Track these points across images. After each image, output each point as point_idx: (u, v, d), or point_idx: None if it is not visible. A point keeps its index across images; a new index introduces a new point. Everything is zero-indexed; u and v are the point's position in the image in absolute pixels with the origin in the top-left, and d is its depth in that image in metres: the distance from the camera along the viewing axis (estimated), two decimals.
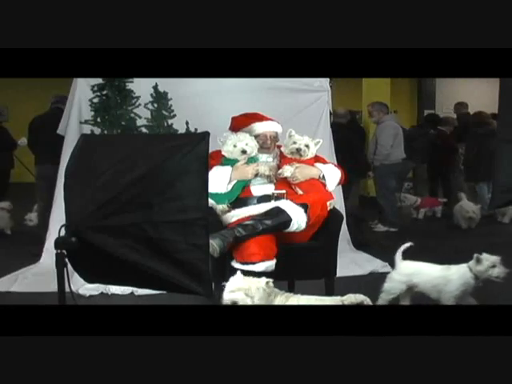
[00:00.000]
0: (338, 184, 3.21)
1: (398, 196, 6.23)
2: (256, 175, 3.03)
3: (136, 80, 3.72)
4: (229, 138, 3.07)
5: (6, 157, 5.89)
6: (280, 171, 3.07)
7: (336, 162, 4.37)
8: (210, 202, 2.79)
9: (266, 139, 3.18)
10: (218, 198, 2.95)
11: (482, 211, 5.80)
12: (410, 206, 6.43)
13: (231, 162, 3.08)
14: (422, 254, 3.10)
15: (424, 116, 7.31)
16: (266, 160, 3.17)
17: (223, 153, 3.10)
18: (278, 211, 2.74)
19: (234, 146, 3.04)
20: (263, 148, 3.15)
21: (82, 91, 4.12)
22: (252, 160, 3.07)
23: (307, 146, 3.13)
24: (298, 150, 3.11)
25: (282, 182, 3.06)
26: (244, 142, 3.04)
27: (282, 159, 3.20)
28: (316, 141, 3.20)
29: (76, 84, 4.19)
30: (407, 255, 3.12)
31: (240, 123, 3.26)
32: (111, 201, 1.46)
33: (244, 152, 3.03)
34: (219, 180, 2.92)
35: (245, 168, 3.02)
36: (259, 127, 3.20)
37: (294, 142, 3.13)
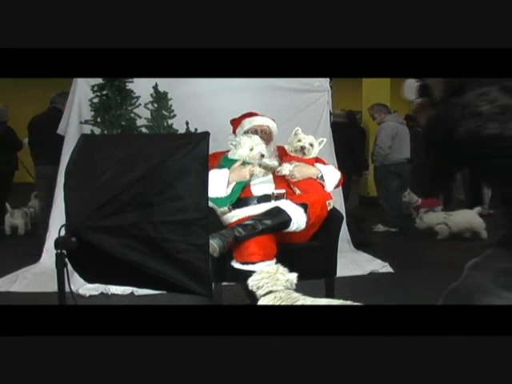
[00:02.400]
0: (337, 186, 3.21)
1: (403, 193, 6.18)
2: (251, 175, 3.04)
3: (136, 80, 3.72)
4: (243, 141, 3.07)
5: (12, 158, 5.88)
6: (279, 169, 3.08)
7: (336, 162, 4.38)
8: (211, 204, 2.79)
9: (257, 133, 3.18)
10: (220, 201, 2.94)
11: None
12: (410, 203, 6.42)
13: (229, 164, 3.08)
14: None
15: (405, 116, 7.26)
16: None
17: (236, 156, 3.09)
18: (277, 211, 2.74)
19: (251, 150, 3.04)
20: None
21: (82, 91, 4.13)
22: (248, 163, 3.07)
23: (311, 144, 3.14)
24: (303, 148, 3.11)
25: (281, 181, 3.06)
26: (259, 145, 3.05)
27: (283, 157, 3.20)
28: (320, 140, 3.20)
29: (76, 84, 4.20)
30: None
31: (236, 124, 3.29)
32: (111, 201, 1.46)
33: (262, 156, 3.04)
34: (218, 184, 2.92)
35: (242, 169, 3.02)
36: (249, 121, 3.22)
37: (299, 140, 3.14)
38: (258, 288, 2.18)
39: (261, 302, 2.16)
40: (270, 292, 2.15)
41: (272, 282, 2.16)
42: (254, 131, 3.18)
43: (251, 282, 2.20)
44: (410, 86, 1.78)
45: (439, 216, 5.34)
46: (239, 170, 3.02)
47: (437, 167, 1.55)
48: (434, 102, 1.63)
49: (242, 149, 3.05)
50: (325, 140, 3.23)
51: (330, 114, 4.69)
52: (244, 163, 3.06)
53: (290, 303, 2.09)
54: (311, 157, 3.15)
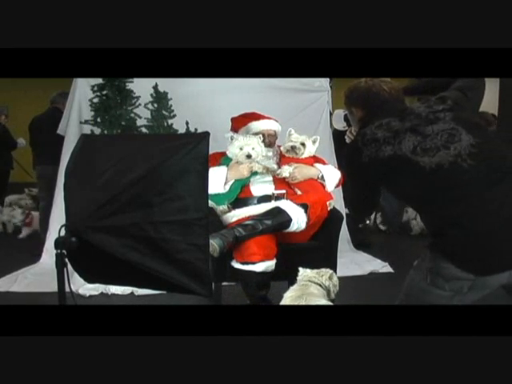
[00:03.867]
0: (338, 185, 3.21)
1: None
2: (250, 172, 3.05)
3: (136, 80, 3.72)
4: (237, 139, 3.07)
5: (7, 157, 5.89)
6: (278, 171, 3.08)
7: (336, 162, 4.38)
8: (210, 203, 2.80)
9: (264, 138, 3.19)
10: (218, 199, 2.95)
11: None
12: None
13: (228, 162, 3.09)
14: None
15: None
16: (266, 154, 3.18)
17: (227, 153, 3.11)
18: (278, 211, 2.74)
19: (240, 149, 3.04)
20: None
21: (82, 91, 4.12)
22: None
23: (303, 144, 3.14)
24: (293, 148, 3.13)
25: (281, 182, 3.07)
26: (251, 146, 3.05)
27: (282, 158, 3.21)
28: (313, 138, 3.20)
29: (76, 84, 4.19)
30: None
31: (238, 123, 3.28)
32: (111, 201, 1.45)
33: (249, 157, 3.04)
34: (215, 180, 2.93)
35: (239, 167, 3.03)
36: (256, 126, 3.22)
37: (291, 141, 3.15)
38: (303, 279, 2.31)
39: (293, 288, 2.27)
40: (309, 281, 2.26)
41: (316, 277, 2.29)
42: (262, 135, 3.19)
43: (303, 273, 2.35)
44: (338, 115, 1.98)
45: (413, 212, 5.65)
46: (237, 168, 3.03)
47: (357, 190, 1.79)
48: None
49: (233, 147, 3.07)
50: (318, 138, 3.22)
51: (330, 113, 4.69)
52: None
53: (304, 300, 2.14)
54: (305, 156, 3.14)
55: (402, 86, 1.89)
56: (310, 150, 3.16)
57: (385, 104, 1.72)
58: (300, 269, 2.37)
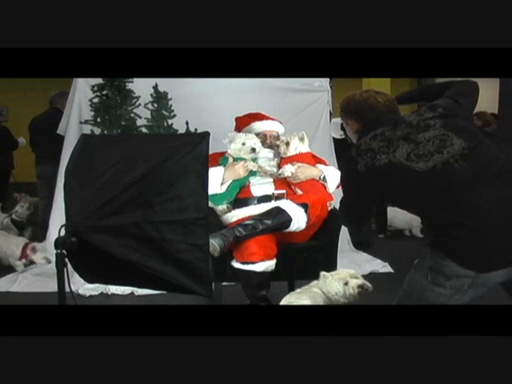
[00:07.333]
0: (339, 186, 3.21)
1: None
2: (247, 171, 3.05)
3: (136, 80, 3.72)
4: (238, 136, 3.09)
5: (7, 157, 5.88)
6: (281, 171, 3.07)
7: (336, 162, 4.37)
8: (210, 203, 2.80)
9: (266, 138, 3.19)
10: (216, 199, 2.95)
11: None
12: None
13: (226, 162, 3.09)
14: None
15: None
16: (266, 155, 3.18)
17: (229, 151, 3.11)
18: (278, 211, 2.74)
19: (243, 144, 3.06)
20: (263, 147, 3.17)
21: (82, 91, 4.12)
22: (240, 159, 3.08)
23: (287, 143, 3.12)
24: (278, 147, 3.14)
25: (281, 182, 3.06)
26: (253, 140, 3.06)
27: (282, 159, 3.21)
28: (300, 135, 3.14)
29: (76, 84, 4.19)
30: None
31: (242, 123, 3.29)
32: (111, 201, 1.45)
33: (253, 150, 3.05)
34: (212, 181, 2.92)
35: (235, 166, 3.03)
36: (259, 126, 3.22)
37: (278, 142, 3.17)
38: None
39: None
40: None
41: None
42: (263, 136, 3.19)
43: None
44: (336, 124, 1.99)
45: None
46: (233, 168, 3.03)
47: (352, 201, 1.81)
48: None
49: (235, 143, 3.07)
50: (303, 133, 3.17)
51: (330, 113, 4.69)
52: (237, 159, 3.06)
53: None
54: (292, 153, 3.11)
55: (395, 95, 1.91)
56: (295, 147, 3.12)
57: (380, 116, 1.75)
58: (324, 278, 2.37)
